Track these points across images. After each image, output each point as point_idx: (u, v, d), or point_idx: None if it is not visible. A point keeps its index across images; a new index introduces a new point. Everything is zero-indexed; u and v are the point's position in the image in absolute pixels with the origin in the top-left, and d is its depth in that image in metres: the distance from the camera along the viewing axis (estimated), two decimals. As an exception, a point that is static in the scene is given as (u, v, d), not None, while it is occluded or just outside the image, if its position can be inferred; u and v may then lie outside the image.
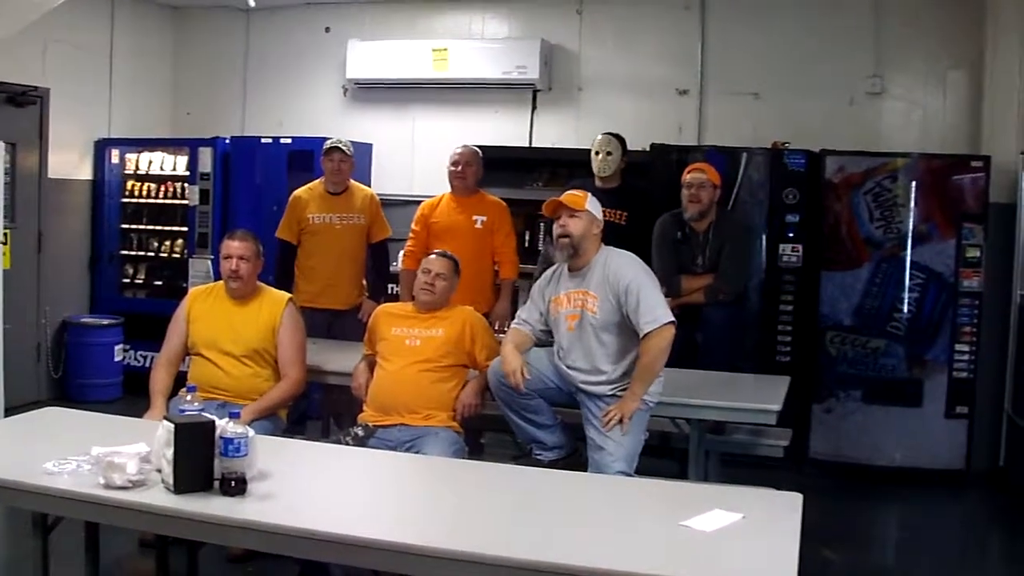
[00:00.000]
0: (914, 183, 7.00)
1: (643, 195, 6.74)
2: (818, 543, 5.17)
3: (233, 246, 5.15)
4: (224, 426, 3.16)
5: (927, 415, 7.00)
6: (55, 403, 6.58)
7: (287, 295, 5.34)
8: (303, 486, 3.45)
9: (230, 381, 5.02)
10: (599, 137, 6.58)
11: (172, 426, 3.14)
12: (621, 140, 6.55)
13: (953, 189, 6.96)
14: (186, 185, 8.77)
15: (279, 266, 6.62)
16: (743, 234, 6.37)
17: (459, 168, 6.49)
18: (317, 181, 6.79)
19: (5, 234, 6.88)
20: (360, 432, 4.79)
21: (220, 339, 5.09)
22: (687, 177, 6.15)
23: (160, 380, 5.05)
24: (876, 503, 6.71)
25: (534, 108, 8.69)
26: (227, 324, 5.13)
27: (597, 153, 6.52)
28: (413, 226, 6.61)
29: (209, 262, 8.49)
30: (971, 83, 7.58)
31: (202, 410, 3.35)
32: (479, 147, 6.67)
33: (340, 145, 6.65)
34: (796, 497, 3.32)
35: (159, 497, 3.14)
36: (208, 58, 9.69)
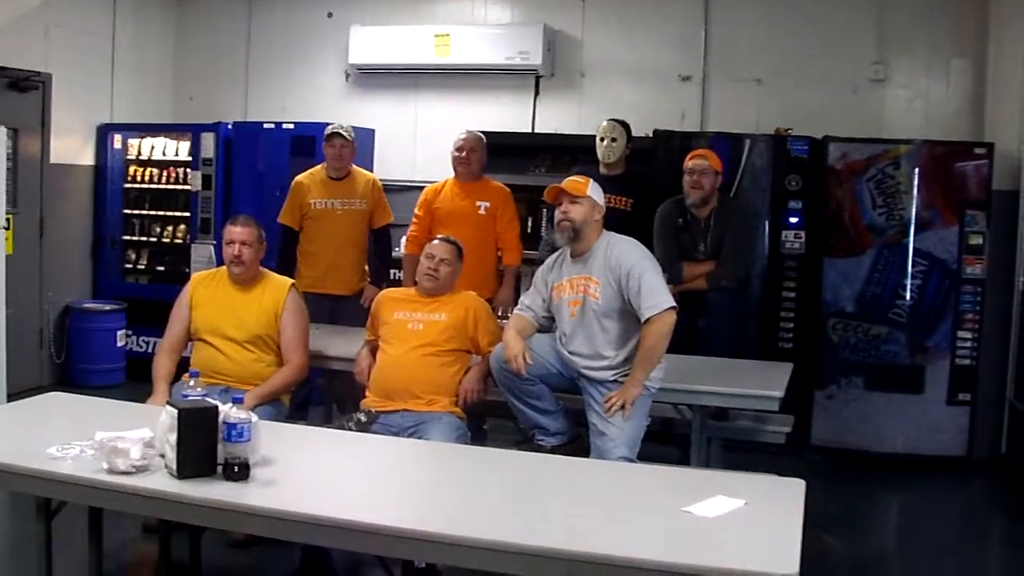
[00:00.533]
0: (917, 170, 6.99)
1: (648, 182, 6.72)
2: (820, 529, 5.18)
3: (236, 231, 5.15)
4: (227, 411, 3.16)
5: (929, 402, 7.00)
6: (58, 388, 6.60)
7: (290, 280, 5.34)
8: (306, 472, 3.45)
9: (232, 366, 5.03)
10: (604, 123, 6.56)
11: (176, 411, 3.15)
12: (626, 126, 6.53)
13: (956, 176, 6.95)
14: (188, 170, 8.76)
15: (281, 251, 6.61)
16: (745, 221, 6.36)
17: (463, 154, 6.47)
18: (319, 167, 6.78)
19: (7, 219, 6.89)
20: (363, 418, 4.79)
21: (223, 325, 5.09)
22: (689, 163, 6.14)
23: (163, 366, 5.05)
24: (878, 489, 6.73)
25: (536, 94, 8.68)
26: (230, 310, 5.13)
27: (602, 139, 6.51)
28: (416, 211, 6.59)
29: (211, 247, 8.49)
30: (974, 70, 7.56)
31: (205, 395, 3.35)
32: (482, 133, 6.65)
33: (341, 131, 6.64)
34: (799, 483, 3.31)
35: (162, 482, 3.14)
36: (210, 43, 9.66)
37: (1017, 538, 6.03)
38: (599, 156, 6.51)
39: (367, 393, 4.98)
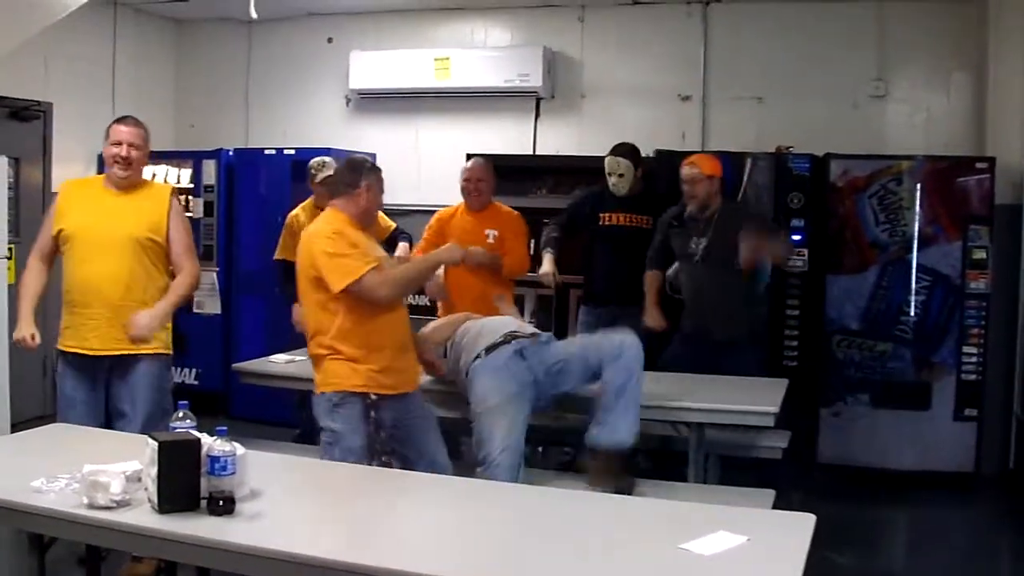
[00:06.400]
0: (919, 185, 6.98)
1: (665, 199, 6.70)
2: (827, 548, 5.13)
3: (124, 131, 4.85)
4: (211, 444, 3.08)
5: (936, 418, 6.96)
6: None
7: (169, 186, 5.14)
8: (296, 506, 3.37)
9: (109, 281, 4.77)
10: (607, 158, 6.62)
11: (156, 444, 3.06)
12: (631, 155, 6.61)
13: (958, 191, 6.93)
14: (190, 198, 8.76)
15: (284, 285, 6.57)
16: (761, 215, 6.40)
17: (472, 184, 6.45)
18: (308, 201, 6.77)
19: (10, 249, 6.87)
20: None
21: (98, 231, 4.81)
22: (682, 172, 6.21)
23: (32, 282, 4.88)
24: (885, 507, 6.67)
25: (537, 116, 8.68)
26: (106, 215, 4.85)
27: (610, 175, 6.58)
28: (426, 230, 6.58)
29: (214, 274, 8.50)
30: (975, 84, 7.56)
31: (193, 427, 3.27)
32: (483, 156, 6.66)
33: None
34: (808, 519, 3.12)
35: (143, 517, 3.05)
36: (211, 70, 9.70)
37: (1026, 555, 6.00)
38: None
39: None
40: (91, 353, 4.86)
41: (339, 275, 4.37)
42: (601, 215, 6.62)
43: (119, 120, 4.96)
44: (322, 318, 4.49)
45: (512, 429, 4.65)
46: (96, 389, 4.91)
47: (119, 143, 4.84)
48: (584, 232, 6.74)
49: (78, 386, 4.89)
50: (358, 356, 4.45)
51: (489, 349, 4.88)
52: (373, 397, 4.45)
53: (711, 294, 6.10)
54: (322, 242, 4.45)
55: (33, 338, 4.80)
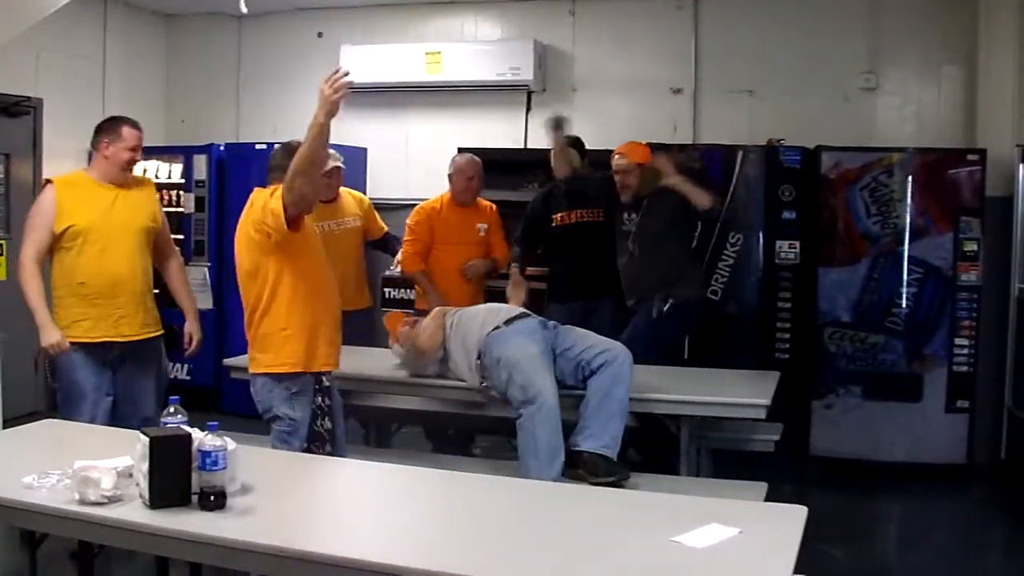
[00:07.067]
0: (910, 178, 6.99)
1: (610, 183, 6.56)
2: (820, 540, 5.13)
3: (139, 136, 5.12)
4: (202, 439, 3.07)
5: (927, 410, 6.98)
6: (53, 414, 6.53)
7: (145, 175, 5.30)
8: (287, 501, 3.35)
9: (126, 270, 5.03)
10: (552, 153, 6.58)
11: (147, 439, 3.06)
12: (575, 147, 6.63)
13: (949, 183, 6.94)
14: (181, 193, 8.74)
15: None
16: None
17: (473, 181, 6.55)
18: None
19: (0, 244, 6.87)
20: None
21: (111, 223, 5.04)
22: (612, 163, 6.27)
23: (39, 288, 5.04)
24: (878, 499, 6.69)
25: (528, 109, 8.68)
26: (109, 210, 5.06)
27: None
28: (413, 227, 6.57)
29: (205, 270, 8.48)
30: (966, 76, 7.56)
31: (184, 422, 3.26)
32: (473, 149, 6.70)
33: (340, 163, 6.65)
34: (799, 511, 3.13)
35: (133, 513, 3.04)
36: (201, 65, 9.69)
37: (1018, 545, 5.99)
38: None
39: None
40: (120, 340, 5.08)
41: (276, 213, 4.22)
42: (553, 216, 6.57)
43: (131, 124, 5.14)
44: (268, 290, 4.42)
45: (552, 377, 4.72)
46: (105, 374, 5.08)
47: (135, 148, 5.10)
48: (544, 235, 6.70)
49: (89, 375, 5.04)
50: (306, 329, 4.42)
51: (509, 321, 4.95)
52: (326, 383, 4.47)
53: (645, 270, 6.15)
54: (260, 206, 4.36)
55: (64, 338, 4.96)
